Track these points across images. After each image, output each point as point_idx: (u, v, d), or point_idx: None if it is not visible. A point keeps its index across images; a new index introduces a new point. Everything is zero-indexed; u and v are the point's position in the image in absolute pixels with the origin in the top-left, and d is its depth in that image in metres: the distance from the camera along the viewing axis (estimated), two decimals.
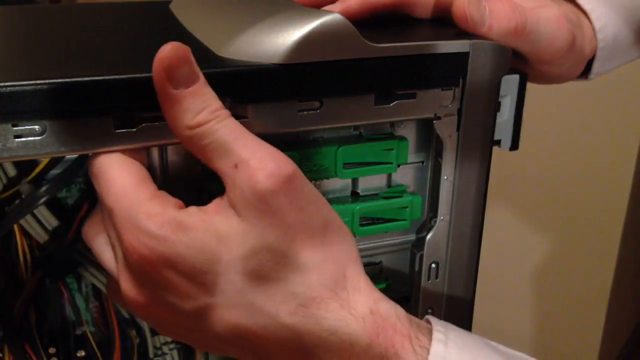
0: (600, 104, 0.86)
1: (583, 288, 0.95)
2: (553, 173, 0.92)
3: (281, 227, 0.16)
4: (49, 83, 0.16)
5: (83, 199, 0.22)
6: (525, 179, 0.97)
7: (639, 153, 0.86)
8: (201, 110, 0.17)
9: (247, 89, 0.18)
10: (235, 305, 0.17)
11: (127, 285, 0.18)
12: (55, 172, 0.21)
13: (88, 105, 0.17)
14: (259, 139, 0.17)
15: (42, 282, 0.23)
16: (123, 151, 0.18)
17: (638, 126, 0.86)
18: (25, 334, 0.23)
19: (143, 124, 0.18)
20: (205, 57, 0.19)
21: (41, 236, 0.22)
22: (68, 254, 0.23)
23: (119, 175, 0.18)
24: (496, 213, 0.99)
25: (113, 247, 0.18)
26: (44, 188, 0.21)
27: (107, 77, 0.17)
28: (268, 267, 0.16)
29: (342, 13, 0.20)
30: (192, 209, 0.17)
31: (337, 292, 0.17)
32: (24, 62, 0.19)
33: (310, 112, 0.19)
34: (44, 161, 0.21)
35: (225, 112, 0.17)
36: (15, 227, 0.22)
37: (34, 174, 0.21)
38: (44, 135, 0.17)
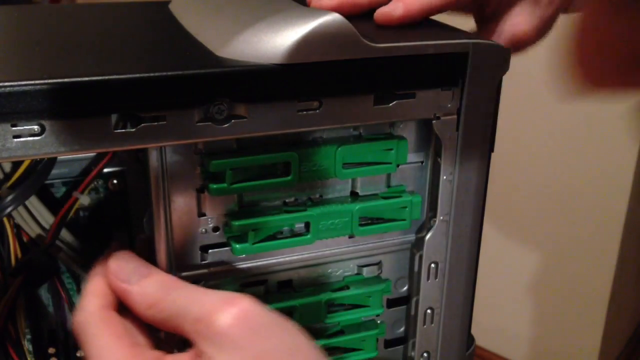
0: (600, 104, 0.86)
1: (583, 288, 0.95)
2: (553, 173, 0.92)
3: (248, 356, 0.17)
4: (48, 83, 0.16)
5: (61, 204, 0.22)
6: (526, 179, 0.97)
7: (639, 153, 0.86)
8: (152, 296, 0.18)
9: (246, 89, 0.18)
10: None
11: None
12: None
13: (87, 106, 0.17)
14: (204, 289, 0.18)
15: (25, 287, 0.23)
16: (102, 306, 0.19)
17: (638, 126, 0.86)
18: (10, 339, 0.22)
19: (142, 125, 0.18)
20: (204, 57, 0.19)
21: (34, 231, 0.23)
22: (47, 257, 0.23)
23: (107, 343, 0.18)
24: (496, 213, 0.99)
25: None
26: (10, 197, 0.21)
27: (107, 77, 0.17)
28: None
29: (405, 15, 0.20)
30: (168, 358, 0.18)
31: None
32: (23, 62, 0.19)
33: (310, 112, 0.19)
34: (23, 166, 0.21)
35: (173, 286, 0.19)
36: (9, 230, 0.22)
37: (13, 179, 0.21)
38: (43, 135, 0.17)
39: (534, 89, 0.91)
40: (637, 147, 0.86)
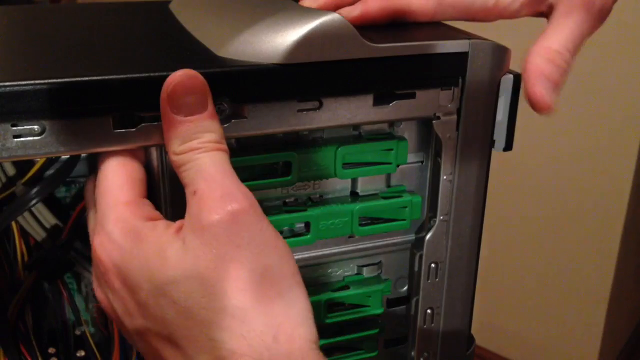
0: (600, 104, 0.86)
1: (583, 288, 0.95)
2: (553, 173, 0.92)
3: (213, 259, 0.16)
4: (48, 83, 0.16)
5: (79, 200, 0.22)
6: (526, 179, 0.97)
7: (639, 153, 0.86)
8: (191, 140, 0.17)
9: (246, 89, 0.18)
10: (163, 337, 0.17)
11: (94, 281, 0.19)
12: (49, 172, 0.21)
13: (87, 105, 0.17)
14: (230, 174, 0.17)
15: (38, 283, 0.23)
16: (126, 150, 0.18)
17: (638, 126, 0.86)
18: (21, 336, 0.23)
19: (142, 124, 0.18)
20: (204, 57, 0.19)
21: (40, 235, 0.22)
22: (62, 253, 0.23)
23: (111, 172, 0.18)
24: (496, 213, 0.99)
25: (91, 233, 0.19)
26: (34, 190, 0.21)
27: (106, 77, 0.17)
28: (195, 298, 0.16)
29: (363, 15, 0.20)
30: (160, 223, 0.18)
31: (260, 352, 0.15)
32: (23, 62, 0.19)
33: (310, 111, 0.19)
34: (39, 162, 0.21)
35: (213, 146, 0.17)
36: (14, 227, 0.22)
37: (29, 175, 0.21)
38: (43, 135, 0.17)
39: None
40: (637, 147, 0.86)
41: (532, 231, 0.98)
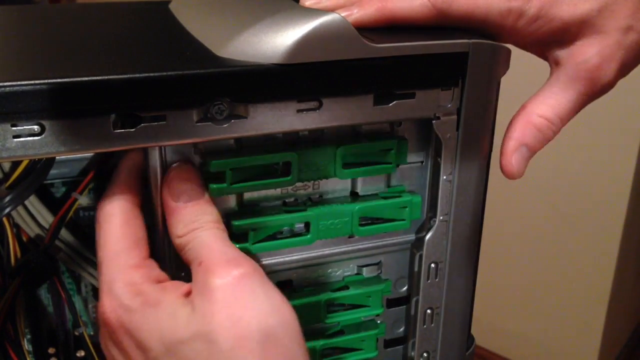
0: (600, 104, 0.86)
1: (583, 288, 0.95)
2: (553, 173, 0.92)
3: (221, 320, 0.17)
4: (47, 83, 0.16)
5: (61, 204, 0.22)
6: (526, 179, 0.96)
7: (639, 153, 0.86)
8: (191, 223, 0.19)
9: (246, 89, 0.18)
10: None
11: (101, 339, 0.19)
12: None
13: (87, 105, 0.17)
14: (231, 245, 0.19)
15: (24, 287, 0.23)
16: (128, 203, 0.19)
17: (638, 126, 0.86)
18: (9, 339, 0.22)
19: (142, 125, 0.18)
20: (204, 57, 0.19)
21: (33, 230, 0.22)
22: (45, 259, 0.23)
23: (116, 234, 0.19)
24: (496, 213, 0.99)
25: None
26: (8, 197, 0.21)
27: (106, 77, 0.17)
28: (203, 357, 0.17)
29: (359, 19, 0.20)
30: (168, 286, 0.18)
31: None
32: (23, 62, 0.19)
33: (310, 112, 0.19)
34: (22, 165, 0.21)
35: (213, 225, 0.19)
36: (8, 230, 0.22)
37: (13, 178, 0.21)
38: (42, 135, 0.17)
39: (534, 89, 0.91)
40: (637, 147, 0.86)
41: (532, 231, 0.98)
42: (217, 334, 0.17)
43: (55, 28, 0.24)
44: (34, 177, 0.21)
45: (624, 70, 0.21)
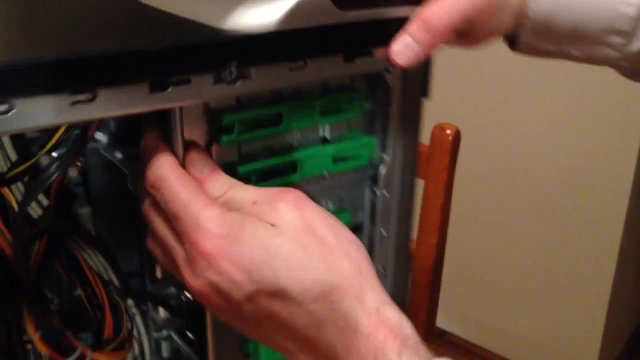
0: (600, 104, 0.88)
1: (583, 288, 0.95)
2: (554, 173, 0.93)
3: (303, 223, 0.21)
4: (100, 56, 0.19)
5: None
6: (526, 179, 0.98)
7: (639, 153, 0.87)
8: (224, 185, 0.23)
9: (251, 53, 0.22)
10: (272, 293, 0.20)
11: (190, 277, 0.21)
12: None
13: (129, 74, 0.19)
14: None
15: (51, 242, 0.25)
16: (176, 164, 0.22)
17: (638, 126, 0.87)
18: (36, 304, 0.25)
19: (170, 88, 0.20)
20: (210, 29, 0.22)
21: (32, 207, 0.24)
22: (63, 220, 0.26)
23: (179, 186, 0.21)
24: (497, 214, 1.01)
25: (173, 247, 0.22)
26: (55, 164, 0.23)
27: (145, 49, 0.20)
28: (300, 252, 0.20)
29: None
30: (242, 212, 0.21)
31: (353, 283, 0.20)
32: (74, 38, 0.22)
33: (298, 70, 0.23)
34: (58, 133, 0.23)
35: (235, 182, 0.23)
36: (14, 204, 0.24)
37: (50, 144, 0.23)
38: (95, 101, 0.19)
39: (534, 89, 0.93)
40: (637, 147, 0.87)
41: (532, 231, 0.99)
42: (303, 231, 0.20)
43: (79, 9, 0.27)
44: (76, 142, 0.24)
45: None
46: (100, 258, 0.28)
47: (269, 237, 0.20)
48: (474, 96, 0.98)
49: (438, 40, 0.24)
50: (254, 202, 0.21)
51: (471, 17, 0.25)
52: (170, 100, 0.21)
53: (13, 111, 0.18)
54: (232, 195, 0.22)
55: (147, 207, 0.23)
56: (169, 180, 0.22)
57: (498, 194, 1.03)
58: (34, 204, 0.26)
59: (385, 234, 0.28)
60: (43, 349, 0.26)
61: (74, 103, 0.19)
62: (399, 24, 0.24)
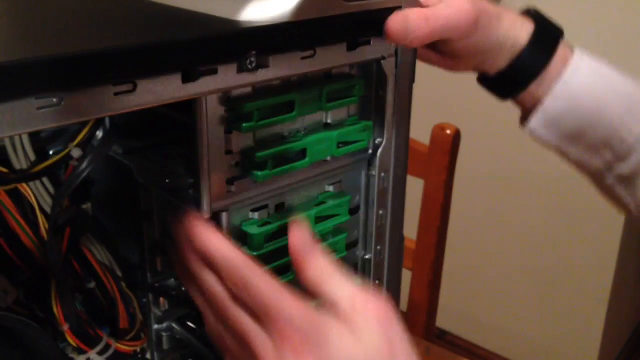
0: None
1: (583, 288, 0.96)
2: (554, 173, 0.94)
3: (382, 337, 0.22)
4: (141, 46, 0.20)
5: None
6: (526, 179, 0.99)
7: None
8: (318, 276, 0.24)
9: (269, 43, 0.23)
10: None
11: (279, 353, 0.22)
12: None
13: (164, 65, 0.20)
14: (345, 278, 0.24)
15: (73, 236, 0.26)
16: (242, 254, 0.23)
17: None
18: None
19: (201, 77, 0.21)
20: (228, 21, 0.23)
21: (48, 202, 0.25)
22: (84, 212, 0.27)
23: (263, 281, 0.23)
24: (497, 214, 1.02)
25: (256, 336, 0.23)
26: (89, 156, 0.24)
27: (177, 40, 0.20)
28: None
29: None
30: (326, 313, 0.23)
31: None
32: (108, 31, 0.22)
33: (308, 58, 0.25)
34: (88, 125, 0.24)
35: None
36: (33, 200, 0.25)
37: (80, 137, 0.24)
38: (135, 91, 0.20)
39: None
40: None
41: (532, 231, 1.00)
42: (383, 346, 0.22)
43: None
44: (106, 136, 0.25)
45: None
46: (106, 251, 0.29)
47: (353, 347, 0.22)
48: (474, 96, 0.99)
49: (426, 33, 0.27)
50: (346, 303, 0.22)
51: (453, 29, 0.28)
52: (200, 88, 0.22)
53: (62, 103, 0.19)
54: (326, 290, 0.23)
55: (220, 295, 0.24)
56: (254, 275, 0.23)
57: (498, 193, 1.04)
58: (48, 199, 0.26)
59: (381, 214, 0.30)
60: (72, 340, 0.27)
61: (117, 94, 0.20)
62: (385, 11, 0.27)
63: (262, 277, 0.23)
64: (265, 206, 0.28)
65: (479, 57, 0.31)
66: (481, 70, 0.32)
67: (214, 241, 0.24)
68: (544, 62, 0.30)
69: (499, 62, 0.31)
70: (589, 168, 0.32)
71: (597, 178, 0.33)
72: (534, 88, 0.31)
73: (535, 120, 0.31)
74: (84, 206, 0.29)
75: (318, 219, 0.29)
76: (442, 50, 0.30)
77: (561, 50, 0.31)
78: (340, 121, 0.29)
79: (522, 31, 0.30)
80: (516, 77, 0.31)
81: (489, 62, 0.31)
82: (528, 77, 0.31)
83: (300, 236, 0.24)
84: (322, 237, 0.30)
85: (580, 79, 0.30)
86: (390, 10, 0.27)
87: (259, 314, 0.23)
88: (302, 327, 0.22)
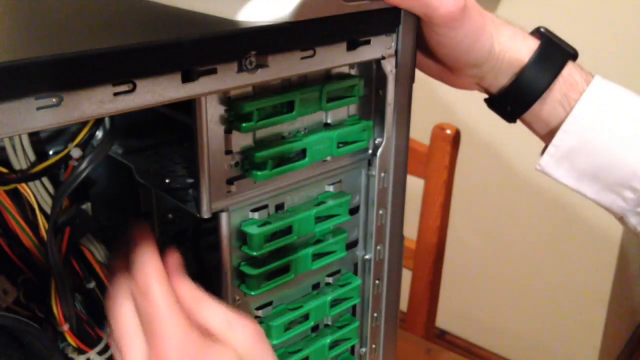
0: None
1: (583, 288, 0.96)
2: None
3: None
4: (140, 47, 0.20)
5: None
6: (526, 179, 0.99)
7: None
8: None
9: (268, 43, 0.23)
10: None
11: None
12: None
13: (164, 65, 0.20)
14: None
15: (73, 236, 0.26)
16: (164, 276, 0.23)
17: None
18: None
19: (201, 77, 0.21)
20: (229, 22, 0.23)
21: (47, 203, 0.26)
22: (84, 212, 0.27)
23: (162, 300, 0.22)
24: (497, 214, 1.02)
25: (133, 337, 0.22)
26: (89, 156, 0.24)
27: (178, 40, 0.20)
28: None
29: None
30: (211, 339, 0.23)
31: None
32: (111, 32, 0.23)
33: (308, 58, 0.24)
34: (88, 125, 0.24)
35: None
36: (32, 200, 0.25)
37: (80, 137, 0.24)
38: (135, 92, 0.20)
39: None
40: None
41: (532, 231, 1.00)
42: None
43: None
44: (106, 136, 0.25)
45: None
46: (106, 251, 0.29)
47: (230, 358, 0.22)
48: (474, 96, 0.99)
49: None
50: (221, 323, 0.23)
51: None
52: (200, 88, 0.22)
53: (62, 103, 0.18)
54: (203, 315, 0.23)
55: (124, 297, 0.23)
56: (156, 290, 0.22)
57: (498, 193, 1.04)
58: (48, 199, 0.26)
59: (381, 214, 0.30)
60: (72, 340, 0.27)
61: (116, 94, 0.20)
62: (386, 12, 0.27)
63: (166, 290, 0.22)
64: (265, 206, 0.28)
65: (476, 68, 0.30)
66: (485, 87, 0.31)
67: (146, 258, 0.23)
68: (547, 81, 0.28)
69: (501, 79, 0.30)
70: (613, 208, 0.29)
71: (620, 219, 0.30)
72: (537, 108, 0.29)
73: (546, 157, 0.30)
74: (84, 206, 0.29)
75: (318, 219, 0.29)
76: (435, 42, 0.29)
77: (572, 75, 0.29)
78: (340, 121, 0.29)
79: (523, 46, 0.29)
80: (518, 95, 0.29)
81: (489, 77, 0.30)
82: (530, 95, 0.29)
83: (161, 261, 0.23)
84: (322, 237, 0.30)
85: (593, 111, 0.28)
86: (390, 10, 0.27)
87: (144, 320, 0.22)
88: (177, 346, 0.21)
